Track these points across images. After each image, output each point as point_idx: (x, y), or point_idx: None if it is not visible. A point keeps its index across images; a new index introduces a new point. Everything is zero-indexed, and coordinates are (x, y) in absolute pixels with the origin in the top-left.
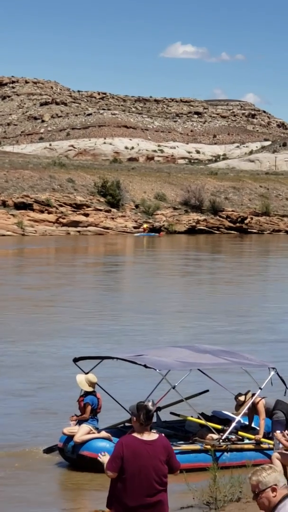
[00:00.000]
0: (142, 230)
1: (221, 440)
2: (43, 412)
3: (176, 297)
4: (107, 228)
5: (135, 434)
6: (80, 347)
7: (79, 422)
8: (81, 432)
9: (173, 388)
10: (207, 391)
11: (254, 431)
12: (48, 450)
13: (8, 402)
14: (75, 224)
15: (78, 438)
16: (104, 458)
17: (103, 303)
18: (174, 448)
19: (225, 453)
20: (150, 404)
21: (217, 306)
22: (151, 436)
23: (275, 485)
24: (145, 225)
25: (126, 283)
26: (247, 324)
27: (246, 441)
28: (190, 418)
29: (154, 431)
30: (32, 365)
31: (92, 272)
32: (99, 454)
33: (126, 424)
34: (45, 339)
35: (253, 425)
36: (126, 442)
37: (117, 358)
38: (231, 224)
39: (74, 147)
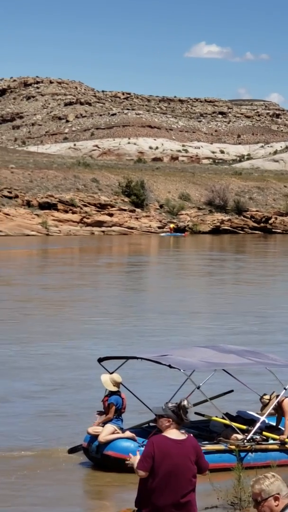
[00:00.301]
0: (168, 230)
1: (245, 441)
2: (65, 413)
3: (195, 297)
4: (132, 228)
5: (165, 434)
6: (94, 348)
7: (104, 421)
8: (106, 432)
9: (198, 388)
10: (232, 391)
11: (279, 432)
12: (73, 450)
13: (30, 402)
14: (99, 224)
15: (102, 437)
16: (133, 459)
17: (120, 304)
18: None
19: (250, 454)
20: (186, 402)
21: (236, 306)
22: (181, 435)
23: (278, 494)
24: (171, 225)
25: (146, 283)
26: (264, 325)
27: (271, 441)
28: (214, 418)
29: (183, 431)
30: (52, 365)
31: (113, 272)
32: (128, 456)
33: (151, 424)
34: (61, 340)
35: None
36: (157, 442)
37: (142, 358)
38: (256, 224)
39: (98, 147)
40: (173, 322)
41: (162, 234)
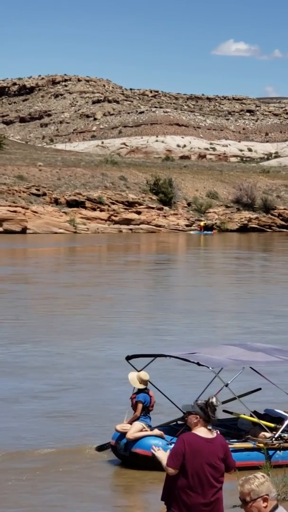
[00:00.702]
0: (199, 228)
1: (273, 439)
2: (90, 410)
3: (214, 295)
4: (159, 226)
5: (195, 432)
6: (106, 347)
7: (132, 420)
8: (134, 429)
9: (226, 386)
10: (259, 389)
11: None
12: (101, 448)
13: (53, 401)
14: (127, 222)
15: (130, 435)
16: (159, 453)
17: (137, 302)
18: None
19: (278, 452)
20: (214, 400)
21: (254, 305)
22: (211, 434)
23: (267, 495)
24: (201, 223)
25: (169, 281)
26: (281, 325)
27: None
28: (243, 416)
29: (210, 428)
30: (79, 364)
31: (137, 270)
32: (152, 448)
33: (179, 422)
34: (77, 338)
35: None
36: (187, 439)
37: (170, 356)
38: (283, 223)
39: (126, 145)
40: (191, 321)
41: (192, 232)
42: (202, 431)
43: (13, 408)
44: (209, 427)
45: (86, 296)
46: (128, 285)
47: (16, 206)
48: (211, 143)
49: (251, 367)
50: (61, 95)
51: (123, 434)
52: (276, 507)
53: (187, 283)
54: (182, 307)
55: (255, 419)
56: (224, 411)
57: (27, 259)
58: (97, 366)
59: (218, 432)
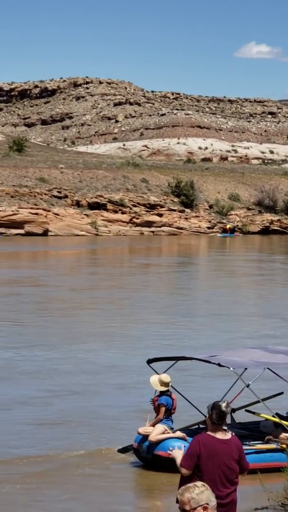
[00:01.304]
0: (226, 230)
1: None
2: (115, 413)
3: (234, 299)
4: (181, 229)
5: (210, 433)
6: (101, 352)
7: (154, 422)
8: (156, 432)
9: (247, 386)
10: (282, 393)
11: None
12: (123, 450)
13: (72, 404)
14: (148, 224)
15: (153, 437)
16: (176, 453)
17: (141, 305)
18: (249, 447)
19: None
20: (224, 404)
21: (263, 308)
22: (226, 435)
23: (207, 504)
24: (228, 225)
25: (186, 284)
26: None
27: None
28: (265, 416)
29: (226, 428)
30: (87, 369)
31: (155, 273)
32: (169, 449)
33: (201, 425)
34: (77, 343)
35: None
36: (202, 440)
37: (192, 358)
38: None
39: (147, 147)
40: (185, 325)
41: (218, 235)
42: (218, 433)
43: (34, 413)
44: (225, 428)
45: (95, 300)
46: (146, 288)
47: (37, 209)
48: (232, 145)
49: (270, 369)
50: (83, 97)
51: (145, 437)
52: None
53: (207, 286)
54: (202, 311)
55: (277, 420)
56: (247, 410)
57: (47, 261)
58: (121, 370)
59: (233, 434)
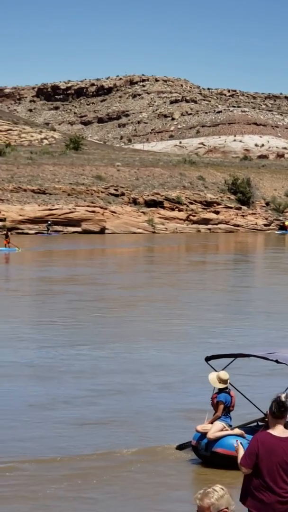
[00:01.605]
0: (283, 227)
1: None
2: (177, 410)
3: (276, 297)
4: (238, 226)
5: (269, 431)
6: (148, 351)
7: (213, 420)
8: (215, 429)
9: None
10: None
11: None
12: (181, 447)
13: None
14: (205, 221)
15: (211, 434)
16: (239, 450)
17: (193, 303)
18: None
19: None
20: (283, 395)
21: None
22: (286, 432)
23: (227, 508)
24: (285, 222)
25: (242, 281)
26: None
27: None
28: None
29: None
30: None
31: (203, 271)
32: (236, 442)
33: (259, 423)
34: (127, 341)
35: None
36: (261, 439)
37: (250, 355)
38: None
39: (204, 145)
40: (249, 323)
41: (276, 232)
42: (277, 430)
43: (77, 413)
44: None
45: (145, 297)
46: (200, 286)
47: (94, 206)
48: None
49: None
50: (139, 95)
51: (203, 435)
52: None
53: (263, 283)
54: (256, 309)
55: None
56: None
57: (102, 259)
58: (176, 370)
59: None
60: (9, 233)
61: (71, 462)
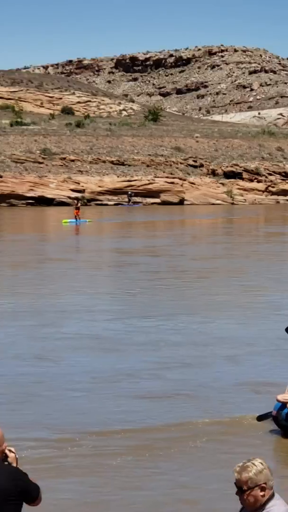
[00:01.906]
0: None
1: None
2: (225, 385)
3: None
4: None
5: None
6: (215, 323)
7: None
8: None
9: None
10: None
11: None
12: (262, 418)
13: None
14: (284, 193)
15: None
16: None
17: (264, 275)
18: None
19: None
20: None
21: None
22: None
23: (265, 483)
24: None
25: None
26: None
27: None
28: None
29: None
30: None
31: (279, 242)
32: None
33: None
34: (194, 314)
35: None
36: None
37: None
38: None
39: (283, 116)
40: None
41: None
42: None
43: (141, 386)
44: None
45: (225, 268)
46: (274, 257)
47: (173, 178)
48: None
49: None
50: (218, 66)
51: (284, 404)
52: (272, 495)
53: None
54: None
55: None
56: None
57: (180, 230)
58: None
59: None
60: (78, 203)
61: (137, 433)
